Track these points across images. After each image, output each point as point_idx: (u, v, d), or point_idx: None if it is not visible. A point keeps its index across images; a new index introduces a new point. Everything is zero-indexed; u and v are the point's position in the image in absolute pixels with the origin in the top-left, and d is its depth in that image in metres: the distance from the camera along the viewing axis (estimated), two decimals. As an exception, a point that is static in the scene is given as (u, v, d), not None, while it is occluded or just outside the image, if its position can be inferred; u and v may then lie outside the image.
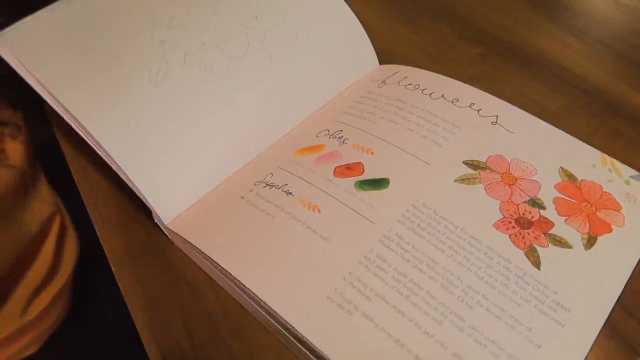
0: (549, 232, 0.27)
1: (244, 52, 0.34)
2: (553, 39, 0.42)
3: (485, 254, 0.26)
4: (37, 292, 0.45)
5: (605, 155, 0.31)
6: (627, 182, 0.30)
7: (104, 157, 0.30)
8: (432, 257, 0.26)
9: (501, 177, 0.30)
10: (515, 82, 0.38)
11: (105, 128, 0.30)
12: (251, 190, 0.31)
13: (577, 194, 0.29)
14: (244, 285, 0.26)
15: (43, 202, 0.48)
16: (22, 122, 0.49)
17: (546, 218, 0.28)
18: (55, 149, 0.40)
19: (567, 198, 0.29)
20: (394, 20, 0.47)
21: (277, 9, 0.37)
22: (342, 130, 0.34)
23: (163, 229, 0.31)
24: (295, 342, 0.24)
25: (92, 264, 0.47)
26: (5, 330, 0.43)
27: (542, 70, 0.39)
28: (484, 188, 0.29)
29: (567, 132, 0.32)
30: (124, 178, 0.30)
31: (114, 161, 0.30)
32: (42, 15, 0.33)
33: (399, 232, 0.27)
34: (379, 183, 0.30)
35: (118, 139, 0.30)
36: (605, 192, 0.29)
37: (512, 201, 0.29)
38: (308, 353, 0.24)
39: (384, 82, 0.38)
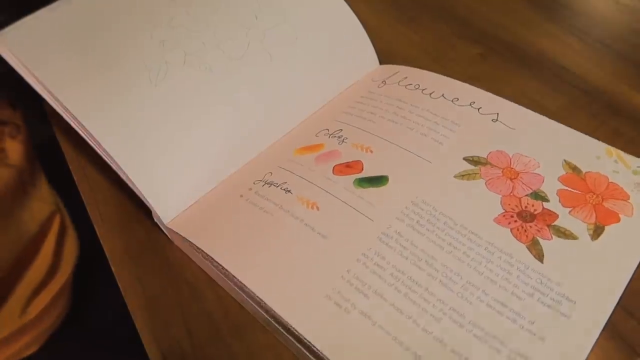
0: (553, 224, 0.27)
1: (244, 52, 0.34)
2: (553, 39, 0.42)
3: (485, 249, 0.26)
4: (36, 291, 0.45)
5: (611, 147, 0.31)
6: (635, 172, 0.29)
7: (103, 157, 0.30)
8: (431, 253, 0.26)
9: (502, 171, 0.30)
10: (515, 82, 0.38)
11: (105, 127, 0.30)
12: (250, 189, 0.31)
13: (582, 186, 0.29)
14: (242, 284, 0.26)
15: (43, 201, 0.48)
16: (21, 122, 0.49)
17: (550, 210, 0.28)
18: (55, 149, 0.40)
19: (571, 190, 0.29)
20: (394, 20, 0.47)
21: (277, 9, 0.37)
22: (341, 130, 0.34)
23: (163, 229, 0.31)
24: (294, 341, 0.24)
25: (92, 264, 0.47)
26: (5, 330, 0.43)
27: (542, 70, 0.39)
28: (485, 183, 0.29)
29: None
30: (123, 177, 0.30)
31: (114, 161, 0.30)
32: (42, 14, 0.33)
33: (398, 229, 0.27)
34: (378, 180, 0.30)
35: (118, 139, 0.30)
36: (611, 182, 0.29)
37: (514, 195, 0.29)
38: (306, 352, 0.24)
39: (384, 82, 0.38)
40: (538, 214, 0.28)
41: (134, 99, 0.31)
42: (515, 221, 0.27)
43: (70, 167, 0.37)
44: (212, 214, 0.30)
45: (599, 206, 0.28)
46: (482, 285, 0.25)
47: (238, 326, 0.26)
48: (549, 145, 0.31)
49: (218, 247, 0.28)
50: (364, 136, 0.33)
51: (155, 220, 0.31)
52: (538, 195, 0.29)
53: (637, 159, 0.30)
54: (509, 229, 0.27)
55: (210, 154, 0.32)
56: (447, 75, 0.37)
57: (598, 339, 0.23)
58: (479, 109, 0.34)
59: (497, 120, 0.33)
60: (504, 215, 0.28)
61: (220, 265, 0.27)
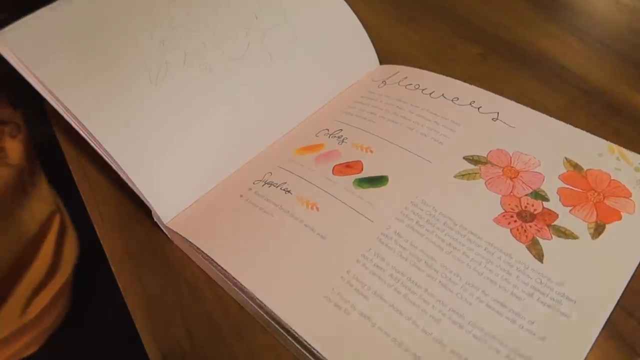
0: (553, 223, 0.27)
1: (244, 52, 0.34)
2: (553, 39, 0.42)
3: (485, 249, 0.26)
4: (36, 291, 0.45)
5: (613, 144, 0.31)
6: (637, 169, 0.29)
7: (104, 156, 0.30)
8: (431, 254, 0.26)
9: (502, 170, 0.30)
10: (515, 82, 0.38)
11: (105, 127, 0.30)
12: (250, 189, 0.31)
13: (583, 184, 0.29)
14: (242, 285, 0.26)
15: (42, 201, 0.48)
16: (21, 121, 0.49)
17: (550, 209, 0.28)
18: (55, 148, 0.40)
19: (572, 188, 0.29)
20: (394, 20, 0.47)
21: (277, 9, 0.37)
22: (341, 130, 0.34)
23: (162, 228, 0.31)
24: (293, 341, 0.24)
25: (92, 264, 0.47)
26: (5, 330, 0.43)
27: (542, 70, 0.39)
28: (485, 183, 0.29)
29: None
30: (123, 177, 0.30)
31: (114, 160, 0.30)
32: (42, 14, 0.33)
33: (398, 229, 0.27)
34: (377, 181, 0.30)
35: (118, 138, 0.30)
36: (613, 180, 0.29)
37: (513, 194, 0.29)
38: (306, 353, 0.24)
39: (384, 82, 0.38)
40: (538, 213, 0.28)
41: (134, 98, 0.31)
42: (515, 221, 0.27)
43: (71, 167, 0.37)
44: (211, 213, 0.30)
45: (600, 204, 0.28)
46: (481, 286, 0.25)
47: (238, 326, 0.26)
48: (550, 143, 0.31)
49: (217, 248, 0.28)
50: (364, 136, 0.33)
51: (155, 219, 0.31)
52: (538, 195, 0.29)
53: (639, 155, 0.30)
54: (509, 229, 0.27)
55: (210, 154, 0.32)
56: (447, 75, 0.37)
57: (598, 338, 0.23)
58: (479, 108, 0.34)
59: (497, 119, 0.33)
60: (503, 216, 0.28)
61: (220, 266, 0.27)
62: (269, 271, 0.26)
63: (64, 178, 0.38)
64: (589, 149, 0.31)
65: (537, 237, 0.27)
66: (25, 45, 0.32)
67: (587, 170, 0.30)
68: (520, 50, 0.42)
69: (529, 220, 0.27)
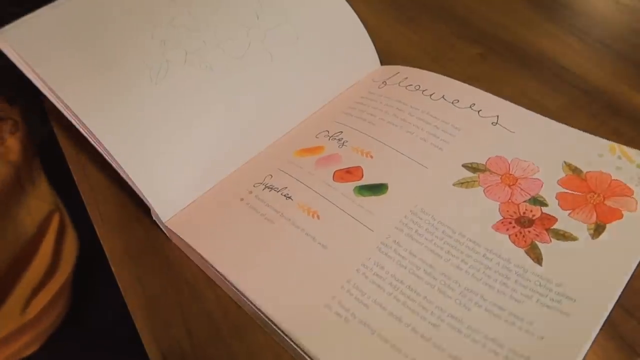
0: (552, 227, 0.27)
1: (244, 51, 0.34)
2: (553, 39, 0.42)
3: (483, 255, 0.26)
4: (36, 291, 0.45)
5: (614, 144, 0.31)
6: (639, 166, 0.29)
7: (103, 155, 0.30)
8: (430, 262, 0.26)
9: (501, 178, 0.30)
10: (515, 82, 0.38)
11: (105, 126, 0.30)
12: (250, 192, 0.31)
13: (582, 187, 0.29)
14: (240, 291, 0.26)
15: (41, 200, 0.48)
16: (19, 118, 0.48)
17: (548, 214, 0.28)
18: (54, 147, 0.40)
19: (571, 192, 0.29)
20: (394, 20, 0.47)
21: (278, 8, 0.37)
22: (341, 132, 0.34)
23: (162, 227, 0.31)
24: (292, 343, 0.24)
25: (92, 264, 0.47)
26: (5, 330, 0.43)
27: (542, 70, 0.39)
28: (483, 191, 0.29)
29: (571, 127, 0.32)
30: (123, 176, 0.30)
31: (114, 159, 0.30)
32: (44, 12, 0.33)
33: (397, 239, 0.27)
34: (377, 189, 0.30)
35: (118, 137, 0.30)
36: (614, 179, 0.29)
37: (512, 201, 0.29)
38: (304, 354, 0.24)
39: (384, 82, 0.38)
40: (537, 219, 0.28)
41: (135, 97, 0.31)
42: (514, 227, 0.27)
43: (70, 167, 0.37)
44: (211, 215, 0.30)
45: (600, 205, 0.28)
46: (480, 291, 0.25)
47: (238, 326, 0.26)
48: (549, 148, 0.31)
49: (217, 252, 0.28)
50: (364, 140, 0.33)
51: (154, 218, 0.31)
52: (537, 201, 0.29)
53: None
54: (507, 235, 0.27)
55: (210, 153, 0.32)
56: (447, 75, 0.37)
57: (597, 336, 0.23)
58: (479, 112, 0.34)
59: (496, 123, 0.33)
60: (502, 222, 0.28)
61: (219, 271, 0.27)
62: (269, 278, 0.27)
63: (64, 177, 0.38)
64: (589, 150, 0.31)
65: (536, 242, 0.27)
66: (26, 43, 0.32)
67: (586, 172, 0.30)
68: (520, 50, 0.42)
69: (527, 225, 0.27)
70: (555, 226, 0.27)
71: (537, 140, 0.32)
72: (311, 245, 0.28)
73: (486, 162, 0.31)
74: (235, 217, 0.30)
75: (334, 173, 0.31)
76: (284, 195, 0.30)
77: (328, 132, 0.34)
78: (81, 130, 0.31)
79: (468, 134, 0.33)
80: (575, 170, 0.30)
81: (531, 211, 0.28)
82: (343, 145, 0.33)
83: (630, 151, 0.30)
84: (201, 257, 0.28)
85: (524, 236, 0.27)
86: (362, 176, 0.31)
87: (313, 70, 0.37)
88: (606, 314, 0.24)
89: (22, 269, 0.45)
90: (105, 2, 0.34)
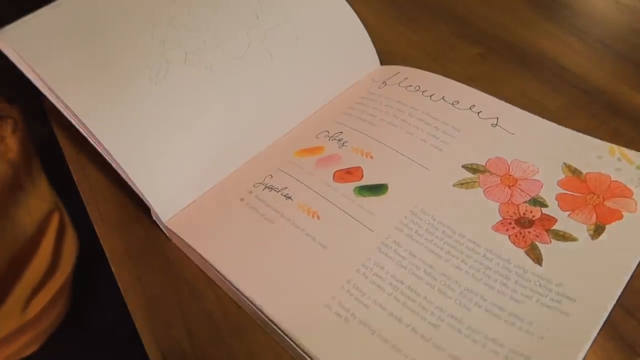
0: (552, 228, 0.27)
1: (244, 51, 0.34)
2: (553, 39, 0.42)
3: (483, 256, 0.26)
4: (36, 290, 0.45)
5: (614, 145, 0.31)
6: (639, 168, 0.29)
7: (103, 155, 0.30)
8: (430, 263, 0.26)
9: (501, 179, 0.30)
10: (515, 82, 0.38)
11: (105, 126, 0.30)
12: (250, 192, 0.31)
13: (582, 188, 0.29)
14: (241, 291, 0.26)
15: (41, 199, 0.48)
16: (18, 117, 0.48)
17: (548, 215, 0.28)
18: (54, 147, 0.40)
19: (570, 193, 0.29)
20: (393, 20, 0.47)
21: (278, 8, 0.37)
22: (342, 132, 0.34)
23: (161, 227, 0.31)
24: (292, 343, 0.24)
25: (92, 264, 0.47)
26: (5, 329, 0.43)
27: (542, 70, 0.39)
28: (483, 191, 0.29)
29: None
30: (123, 176, 0.30)
31: (114, 159, 0.30)
32: (44, 12, 0.33)
33: (397, 239, 0.27)
34: (377, 189, 0.30)
35: (118, 137, 0.30)
36: (614, 181, 0.29)
37: (511, 202, 0.29)
38: (304, 354, 0.24)
39: (384, 83, 0.38)
40: (536, 219, 0.28)
41: (134, 97, 0.31)
42: (514, 228, 0.27)
43: (70, 167, 0.37)
44: (211, 215, 0.30)
45: (600, 206, 0.28)
46: (479, 291, 0.25)
47: (238, 326, 0.26)
48: (549, 149, 0.31)
49: (217, 252, 0.28)
50: (364, 140, 0.33)
51: (154, 218, 0.31)
52: (537, 202, 0.29)
53: None
54: (507, 236, 0.27)
55: (210, 153, 0.32)
56: (447, 76, 0.37)
57: (597, 336, 0.23)
58: (479, 113, 0.34)
59: (496, 125, 0.33)
60: (502, 223, 0.28)
61: (219, 271, 0.27)
62: (269, 278, 0.27)
63: (64, 177, 0.38)
64: (589, 152, 0.31)
65: (536, 242, 0.27)
66: (26, 43, 0.32)
67: (586, 174, 0.30)
68: (520, 50, 0.42)
69: (527, 226, 0.28)
70: (555, 227, 0.27)
71: (536, 141, 0.32)
72: (311, 245, 0.28)
73: (486, 163, 0.31)
74: (236, 217, 0.30)
75: (334, 173, 0.31)
76: (284, 196, 0.30)
77: (328, 132, 0.34)
78: (81, 130, 0.31)
79: (468, 135, 0.33)
80: (574, 172, 0.30)
81: (531, 212, 0.28)
82: (343, 145, 0.33)
83: (630, 153, 0.30)
84: (201, 257, 0.28)
85: (523, 237, 0.27)
86: (362, 176, 0.31)
87: (313, 70, 0.37)
88: (606, 314, 0.24)
89: (22, 269, 0.45)
90: (105, 2, 0.34)
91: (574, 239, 0.27)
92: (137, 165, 0.30)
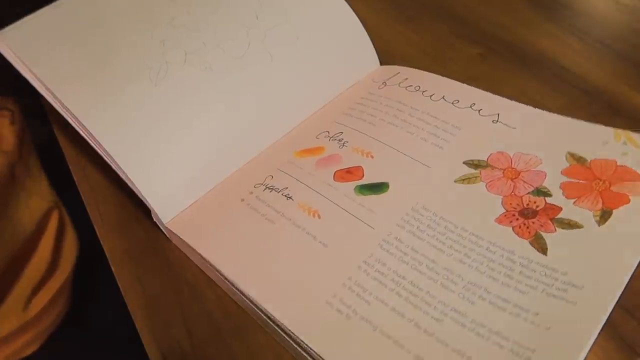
0: (557, 217, 0.27)
1: (244, 51, 0.34)
2: (553, 39, 0.42)
3: (487, 249, 0.26)
4: (36, 289, 0.45)
5: (619, 130, 0.31)
6: None
7: (103, 156, 0.30)
8: (432, 257, 0.26)
9: (503, 172, 0.30)
10: (515, 82, 0.38)
11: (104, 126, 0.30)
12: (251, 193, 0.31)
13: (587, 175, 0.29)
14: (242, 290, 0.26)
15: (41, 197, 0.48)
16: (15, 109, 0.48)
17: (552, 204, 0.28)
18: (55, 148, 0.40)
19: (575, 180, 0.29)
20: (393, 20, 0.47)
21: (278, 9, 0.37)
22: (342, 133, 0.34)
23: (162, 228, 0.31)
24: (292, 342, 0.24)
25: (92, 264, 0.47)
26: (6, 328, 0.43)
27: (542, 70, 0.39)
28: (485, 186, 0.29)
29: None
30: (123, 177, 0.30)
31: (113, 160, 0.30)
32: (44, 12, 0.33)
33: (398, 235, 0.27)
34: (378, 187, 0.30)
35: (117, 138, 0.30)
36: (620, 165, 0.29)
37: (515, 194, 0.29)
38: (305, 354, 0.24)
39: (384, 83, 0.38)
40: (540, 209, 0.28)
41: (134, 97, 0.31)
42: (517, 219, 0.27)
43: (70, 167, 0.37)
44: (212, 216, 0.30)
45: (606, 191, 0.28)
46: (483, 284, 0.25)
47: (238, 326, 0.26)
48: (552, 140, 0.31)
49: (218, 253, 0.28)
50: (365, 140, 0.33)
51: (155, 219, 0.31)
52: (540, 192, 0.28)
53: None
54: (511, 227, 0.27)
55: (211, 153, 0.32)
56: (446, 75, 0.37)
57: (598, 336, 0.23)
58: (479, 111, 0.34)
59: (497, 121, 0.33)
60: (505, 215, 0.28)
61: (220, 271, 0.27)
62: (270, 277, 0.27)
63: (64, 178, 0.38)
64: (593, 138, 0.31)
65: (541, 232, 0.26)
66: (25, 44, 0.32)
67: (591, 161, 0.29)
68: (520, 50, 0.42)
69: (531, 216, 0.27)
70: (559, 215, 0.27)
71: (538, 134, 0.32)
72: (312, 244, 0.28)
73: (488, 159, 0.31)
74: (236, 218, 0.30)
75: (335, 173, 0.31)
76: (285, 196, 0.30)
77: (328, 132, 0.34)
78: (81, 132, 0.31)
79: (469, 133, 0.33)
80: (579, 160, 0.30)
81: (535, 202, 0.28)
82: (343, 145, 0.33)
83: (636, 136, 0.30)
84: (202, 257, 0.28)
85: (527, 227, 0.27)
86: (363, 176, 0.31)
87: (313, 70, 0.37)
88: (614, 301, 0.23)
89: (21, 267, 0.45)
90: (105, 2, 0.34)
91: (579, 226, 0.26)
92: (136, 166, 0.30)
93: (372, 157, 0.32)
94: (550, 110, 0.35)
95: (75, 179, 0.36)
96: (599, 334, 0.23)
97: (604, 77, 0.38)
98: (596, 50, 0.41)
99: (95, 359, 0.47)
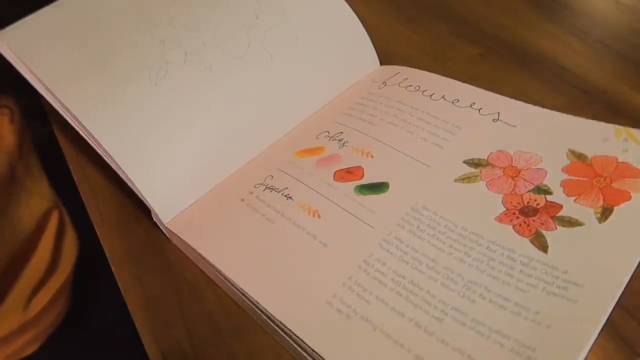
0: (557, 215, 0.27)
1: (244, 51, 0.34)
2: (553, 39, 0.42)
3: (487, 247, 0.26)
4: (36, 289, 0.45)
5: (620, 127, 0.31)
6: None
7: (103, 156, 0.30)
8: (432, 257, 0.26)
9: (503, 171, 0.30)
10: (515, 82, 0.38)
11: (104, 126, 0.30)
12: (251, 193, 0.31)
13: (588, 172, 0.29)
14: (242, 290, 0.26)
15: (40, 197, 0.48)
16: (15, 107, 0.48)
17: (553, 202, 0.28)
18: (55, 148, 0.40)
19: (576, 178, 0.29)
20: (393, 19, 0.47)
21: (278, 8, 0.37)
22: (342, 133, 0.34)
23: (162, 228, 0.31)
24: (292, 342, 0.24)
25: (92, 264, 0.47)
26: (7, 328, 0.43)
27: (542, 70, 0.39)
28: (486, 184, 0.29)
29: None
30: (123, 177, 0.30)
31: (113, 160, 0.30)
32: (44, 12, 0.33)
33: (399, 235, 0.27)
34: (378, 187, 0.30)
35: (117, 138, 0.30)
36: (621, 162, 0.29)
37: (515, 193, 0.29)
38: (305, 354, 0.24)
39: (384, 83, 0.38)
40: (541, 207, 0.28)
41: (134, 97, 0.31)
42: (517, 217, 0.27)
43: (70, 167, 0.37)
44: (212, 216, 0.30)
45: (607, 188, 0.28)
46: (484, 283, 0.25)
47: (238, 326, 0.26)
48: (552, 138, 0.31)
49: (218, 253, 0.28)
50: (365, 140, 0.33)
51: (155, 219, 0.31)
52: (541, 190, 0.28)
53: None
54: (511, 226, 0.27)
55: (211, 153, 0.32)
56: (446, 75, 0.37)
57: (598, 337, 0.23)
58: (479, 110, 0.34)
59: (497, 120, 0.33)
60: (505, 214, 0.28)
61: (221, 271, 0.27)
62: (270, 277, 0.27)
63: (64, 178, 0.38)
64: (593, 135, 0.30)
65: (541, 230, 0.26)
66: (25, 44, 0.32)
67: (592, 157, 0.29)
68: (520, 50, 0.42)
69: (531, 215, 0.27)
70: (560, 213, 0.27)
71: (539, 132, 0.32)
72: (312, 243, 0.28)
73: (488, 157, 0.31)
74: (236, 218, 0.30)
75: (335, 173, 0.31)
76: (285, 196, 0.30)
77: (328, 132, 0.34)
78: (80, 132, 0.31)
79: (469, 132, 0.33)
80: (580, 157, 0.30)
81: (535, 200, 0.28)
82: (343, 145, 0.33)
83: (637, 132, 0.30)
84: (202, 257, 0.28)
85: (528, 225, 0.27)
86: (363, 176, 0.31)
87: (313, 70, 0.37)
88: (615, 299, 0.23)
89: (21, 266, 0.45)
90: (105, 2, 0.34)
91: (580, 224, 0.26)
92: (136, 166, 0.30)
93: (372, 157, 0.32)
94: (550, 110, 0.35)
95: (75, 179, 0.36)
96: (599, 333, 0.23)
97: (604, 77, 0.38)
98: (596, 50, 0.41)
99: (95, 359, 0.47)
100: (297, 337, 0.24)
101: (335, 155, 0.33)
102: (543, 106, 0.34)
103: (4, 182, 0.44)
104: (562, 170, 0.29)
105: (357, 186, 0.30)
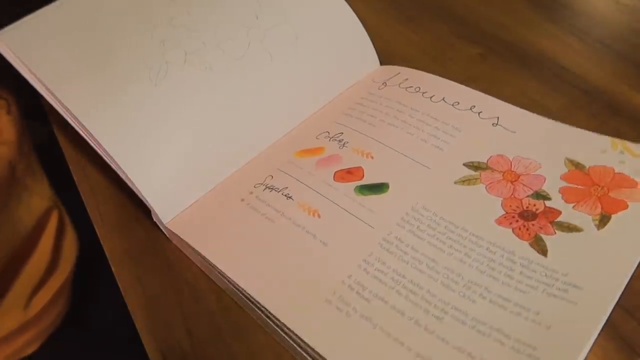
0: (556, 220, 0.27)
1: (244, 51, 0.34)
2: (553, 39, 0.42)
3: (487, 249, 0.26)
4: (37, 289, 0.45)
5: (616, 139, 0.31)
6: None
7: (103, 156, 0.30)
8: (432, 257, 0.26)
9: (502, 175, 0.30)
10: (515, 82, 0.38)
11: (104, 126, 0.30)
12: (251, 193, 0.31)
13: (585, 181, 0.29)
14: (242, 289, 0.26)
15: (40, 196, 0.48)
16: (11, 99, 0.47)
17: (552, 208, 0.28)
18: (55, 148, 0.40)
19: (574, 186, 0.29)
20: (393, 19, 0.47)
21: (277, 8, 0.36)
22: (342, 133, 0.34)
23: (162, 228, 0.31)
24: (292, 342, 0.25)
25: (92, 264, 0.47)
26: (7, 327, 0.43)
27: (542, 70, 0.39)
28: (485, 187, 0.29)
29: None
30: (123, 177, 0.30)
31: (113, 160, 0.30)
32: (43, 12, 0.33)
33: (399, 235, 0.27)
34: (378, 188, 0.30)
35: (117, 138, 0.30)
36: (617, 172, 0.29)
37: (514, 197, 0.29)
38: (304, 354, 0.24)
39: (384, 83, 0.38)
40: (540, 212, 0.28)
41: (134, 98, 0.31)
42: (517, 221, 0.27)
43: (70, 167, 0.37)
44: (212, 216, 0.30)
45: (605, 197, 0.28)
46: (484, 283, 0.25)
47: (238, 326, 0.26)
48: (551, 146, 0.31)
49: (218, 252, 0.28)
50: (365, 141, 0.33)
51: (155, 219, 0.31)
52: (540, 195, 0.29)
53: None
54: (511, 229, 0.27)
55: (211, 154, 0.32)
56: (446, 75, 0.37)
57: (598, 337, 0.23)
58: (479, 113, 0.34)
59: (497, 124, 0.33)
60: (505, 217, 0.28)
61: (221, 270, 0.27)
62: (270, 276, 0.27)
63: (64, 178, 0.38)
64: (592, 147, 0.31)
65: (540, 234, 0.27)
66: (24, 44, 0.32)
67: (589, 167, 0.30)
68: (520, 50, 0.42)
69: (531, 219, 0.27)
70: (559, 219, 0.27)
71: (538, 139, 0.32)
72: (312, 242, 0.28)
73: (487, 161, 0.31)
74: (236, 218, 0.30)
75: (335, 173, 0.31)
76: (285, 195, 0.30)
77: (328, 133, 0.34)
78: (81, 132, 0.31)
79: (469, 135, 0.33)
80: (577, 166, 0.30)
81: (534, 205, 0.28)
82: (344, 146, 0.33)
83: (632, 145, 0.30)
84: (202, 257, 0.28)
85: (527, 229, 0.27)
86: (363, 176, 0.31)
87: (313, 70, 0.37)
88: (615, 301, 0.23)
89: (21, 265, 0.45)
90: (105, 2, 0.34)
91: (579, 230, 0.27)
92: (136, 166, 0.30)
93: (372, 157, 0.32)
94: (550, 110, 0.35)
95: (75, 179, 0.36)
96: (599, 334, 0.23)
97: (604, 77, 0.38)
98: (596, 50, 0.41)
99: (95, 359, 0.47)
100: (297, 336, 0.24)
101: (336, 155, 0.33)
102: (543, 106, 0.34)
103: (5, 180, 0.44)
104: (561, 177, 0.29)
105: (357, 186, 0.30)
